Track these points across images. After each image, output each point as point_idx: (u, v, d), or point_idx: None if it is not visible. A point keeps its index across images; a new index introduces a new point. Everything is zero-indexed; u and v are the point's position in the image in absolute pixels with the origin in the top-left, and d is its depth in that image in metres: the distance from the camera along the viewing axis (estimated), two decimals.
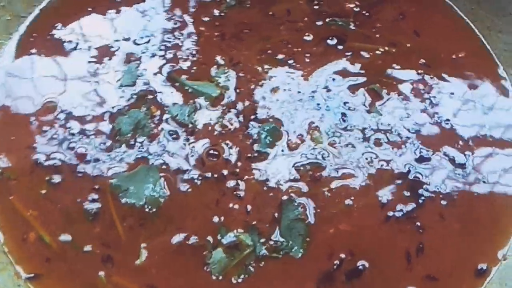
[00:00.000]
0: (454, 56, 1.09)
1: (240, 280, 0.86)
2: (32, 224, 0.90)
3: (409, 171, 0.96)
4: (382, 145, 0.97)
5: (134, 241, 0.88)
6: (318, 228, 0.90)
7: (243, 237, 0.87)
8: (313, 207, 0.91)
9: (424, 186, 0.95)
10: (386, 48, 1.07)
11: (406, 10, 1.14)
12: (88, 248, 0.88)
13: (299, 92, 1.01)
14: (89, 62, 1.04)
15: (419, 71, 1.05)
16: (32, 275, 0.88)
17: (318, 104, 1.00)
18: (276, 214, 0.90)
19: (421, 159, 0.97)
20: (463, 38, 1.13)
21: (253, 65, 1.04)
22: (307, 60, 1.05)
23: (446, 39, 1.11)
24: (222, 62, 1.04)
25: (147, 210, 0.89)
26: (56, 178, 0.92)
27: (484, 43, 1.12)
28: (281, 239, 0.88)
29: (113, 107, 0.99)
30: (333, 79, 1.03)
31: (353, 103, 1.01)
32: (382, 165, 0.96)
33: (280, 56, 1.05)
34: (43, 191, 0.91)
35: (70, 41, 1.07)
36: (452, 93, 1.04)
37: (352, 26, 1.10)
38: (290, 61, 1.05)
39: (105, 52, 1.05)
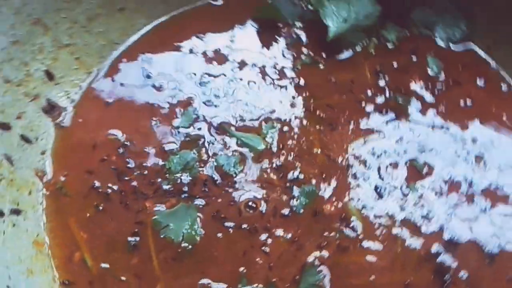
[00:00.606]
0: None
1: None
2: (80, 245, 0.99)
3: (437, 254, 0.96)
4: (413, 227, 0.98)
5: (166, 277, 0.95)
6: None
7: None
8: (332, 276, 0.93)
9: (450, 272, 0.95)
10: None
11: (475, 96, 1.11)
12: (123, 278, 0.96)
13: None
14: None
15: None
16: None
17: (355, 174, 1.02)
18: (297, 276, 0.93)
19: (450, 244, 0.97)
20: None
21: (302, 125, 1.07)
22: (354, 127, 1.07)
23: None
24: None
25: (183, 245, 0.95)
26: (106, 205, 1.00)
27: None
28: None
29: (167, 146, 1.05)
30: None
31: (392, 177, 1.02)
32: (410, 245, 0.96)
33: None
34: (92, 215, 1.00)
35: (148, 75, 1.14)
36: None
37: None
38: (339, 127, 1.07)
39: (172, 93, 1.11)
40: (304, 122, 1.07)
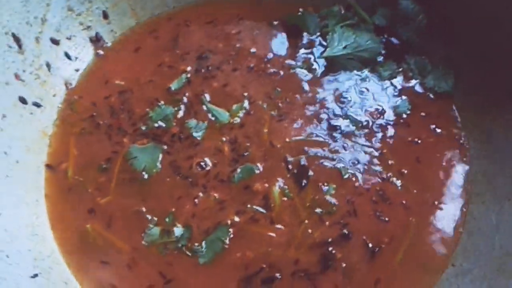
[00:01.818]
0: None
1: (162, 254, 1.10)
2: (69, 158, 1.22)
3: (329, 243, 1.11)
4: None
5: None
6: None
7: (176, 229, 1.11)
8: (235, 237, 1.11)
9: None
10: None
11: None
12: (89, 190, 1.18)
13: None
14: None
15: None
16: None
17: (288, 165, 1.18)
18: (210, 229, 1.11)
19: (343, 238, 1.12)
20: None
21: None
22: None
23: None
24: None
25: (142, 174, 1.17)
26: (94, 131, 1.23)
27: None
28: (198, 247, 1.10)
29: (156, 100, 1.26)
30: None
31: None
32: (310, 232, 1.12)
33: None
34: (82, 134, 1.24)
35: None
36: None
37: None
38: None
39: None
40: (265, 106, 1.24)
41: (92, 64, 1.34)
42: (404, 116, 1.25)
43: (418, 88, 1.29)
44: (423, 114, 1.26)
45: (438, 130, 1.24)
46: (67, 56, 1.32)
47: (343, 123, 1.23)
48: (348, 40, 1.28)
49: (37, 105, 1.24)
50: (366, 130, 1.22)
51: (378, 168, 1.19)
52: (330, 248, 1.10)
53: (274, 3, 1.40)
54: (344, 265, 1.09)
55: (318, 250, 1.10)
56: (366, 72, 1.29)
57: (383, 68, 1.29)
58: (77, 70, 1.33)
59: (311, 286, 1.08)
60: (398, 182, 1.17)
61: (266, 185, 1.15)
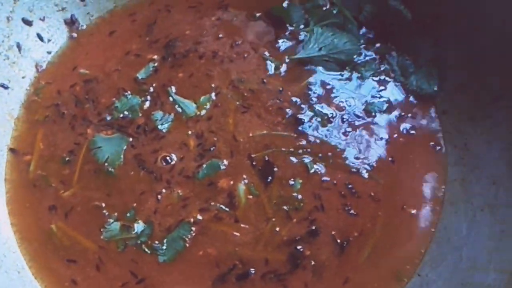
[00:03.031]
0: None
1: (119, 250, 1.07)
2: (33, 152, 1.17)
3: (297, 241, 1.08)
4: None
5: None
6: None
7: (137, 225, 1.08)
8: (197, 235, 1.07)
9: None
10: None
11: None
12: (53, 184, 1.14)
13: None
14: None
15: None
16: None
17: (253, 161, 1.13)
18: (172, 226, 1.07)
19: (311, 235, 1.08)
20: None
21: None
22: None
23: None
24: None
25: (105, 166, 1.13)
26: (58, 121, 1.19)
27: None
28: (158, 244, 1.07)
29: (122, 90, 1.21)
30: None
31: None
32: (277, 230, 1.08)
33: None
34: (45, 122, 1.20)
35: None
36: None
37: None
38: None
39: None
40: (229, 96, 1.19)
41: (64, 47, 1.29)
42: (376, 114, 1.20)
43: (399, 89, 1.24)
44: (399, 114, 1.21)
45: (413, 132, 1.20)
46: (40, 37, 1.26)
47: (308, 116, 1.18)
48: (325, 41, 1.22)
49: (4, 86, 1.20)
50: (332, 124, 1.18)
51: (345, 161, 1.14)
52: (299, 247, 1.07)
53: None
54: (313, 263, 1.06)
55: (286, 249, 1.07)
56: (346, 73, 1.24)
57: (365, 68, 1.24)
58: (49, 53, 1.28)
59: (281, 287, 1.05)
60: (366, 174, 1.14)
61: (231, 182, 1.11)
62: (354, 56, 1.24)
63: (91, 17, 1.32)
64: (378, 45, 1.27)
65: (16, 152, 1.18)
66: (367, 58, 1.26)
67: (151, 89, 1.21)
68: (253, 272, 1.05)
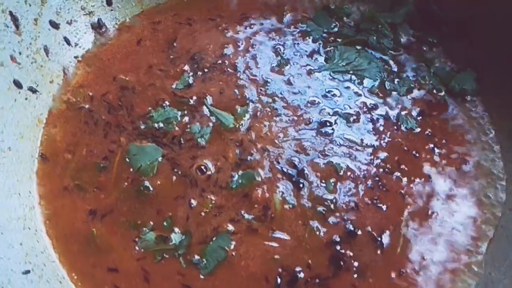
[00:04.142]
0: None
1: (156, 261, 1.06)
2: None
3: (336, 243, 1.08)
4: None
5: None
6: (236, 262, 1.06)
7: (174, 236, 1.07)
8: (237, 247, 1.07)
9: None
10: None
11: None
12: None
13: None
14: None
15: None
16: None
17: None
18: (208, 238, 1.07)
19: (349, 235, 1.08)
20: None
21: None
22: None
23: None
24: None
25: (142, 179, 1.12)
26: (92, 128, 1.19)
27: None
28: (198, 258, 1.06)
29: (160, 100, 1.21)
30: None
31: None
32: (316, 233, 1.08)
33: None
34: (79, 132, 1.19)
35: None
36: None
37: None
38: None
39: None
40: (268, 109, 1.21)
41: (92, 51, 1.28)
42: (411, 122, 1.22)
43: (434, 92, 1.26)
44: (436, 115, 1.23)
45: (458, 136, 1.21)
46: (67, 41, 1.24)
47: (332, 118, 1.20)
48: (350, 58, 1.26)
49: (32, 90, 1.18)
50: (358, 124, 1.20)
51: (373, 159, 1.16)
52: (338, 247, 1.07)
53: None
54: (356, 263, 1.06)
55: (327, 251, 1.07)
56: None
57: (399, 84, 1.26)
58: (76, 57, 1.26)
59: None
60: (397, 173, 1.15)
61: (267, 195, 1.11)
62: (381, 73, 1.27)
63: (118, 22, 1.31)
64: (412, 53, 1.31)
65: (48, 159, 1.16)
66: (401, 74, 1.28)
67: (191, 102, 1.21)
68: (301, 276, 1.05)
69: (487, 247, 1.10)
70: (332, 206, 1.11)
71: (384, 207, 1.12)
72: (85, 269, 1.07)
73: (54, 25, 1.22)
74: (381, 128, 1.20)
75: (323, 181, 1.13)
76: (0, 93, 1.11)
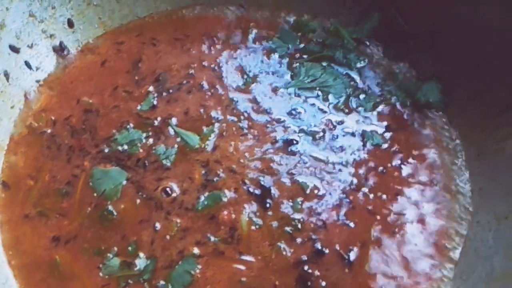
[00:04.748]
0: None
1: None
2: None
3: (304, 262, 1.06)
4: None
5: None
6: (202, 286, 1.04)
7: (139, 262, 1.05)
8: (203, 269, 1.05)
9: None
10: None
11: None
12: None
13: None
14: None
15: None
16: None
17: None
18: (174, 262, 1.05)
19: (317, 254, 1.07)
20: None
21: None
22: None
23: None
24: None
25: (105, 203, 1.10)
26: (54, 153, 1.16)
27: None
28: (164, 283, 1.03)
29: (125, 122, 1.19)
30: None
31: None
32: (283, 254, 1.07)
33: None
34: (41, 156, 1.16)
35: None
36: None
37: None
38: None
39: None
40: (234, 128, 1.19)
41: (54, 75, 1.25)
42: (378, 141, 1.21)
43: (399, 107, 1.25)
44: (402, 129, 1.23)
45: (424, 150, 1.20)
46: (28, 65, 1.22)
47: (298, 136, 1.19)
48: (316, 75, 1.25)
49: None
50: (324, 142, 1.19)
51: (340, 176, 1.15)
52: (306, 267, 1.05)
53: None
54: (324, 283, 1.04)
55: (294, 272, 1.05)
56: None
57: (365, 100, 1.25)
58: (38, 81, 1.24)
59: None
60: (365, 190, 1.14)
61: (233, 216, 1.09)
62: (347, 90, 1.26)
63: (81, 44, 1.29)
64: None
65: (9, 186, 1.13)
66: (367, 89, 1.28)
67: (155, 123, 1.19)
68: None
69: (456, 260, 1.10)
70: (299, 225, 1.09)
71: (351, 224, 1.10)
72: None
73: (14, 49, 1.19)
74: (347, 145, 1.19)
75: (290, 200, 1.11)
76: None
